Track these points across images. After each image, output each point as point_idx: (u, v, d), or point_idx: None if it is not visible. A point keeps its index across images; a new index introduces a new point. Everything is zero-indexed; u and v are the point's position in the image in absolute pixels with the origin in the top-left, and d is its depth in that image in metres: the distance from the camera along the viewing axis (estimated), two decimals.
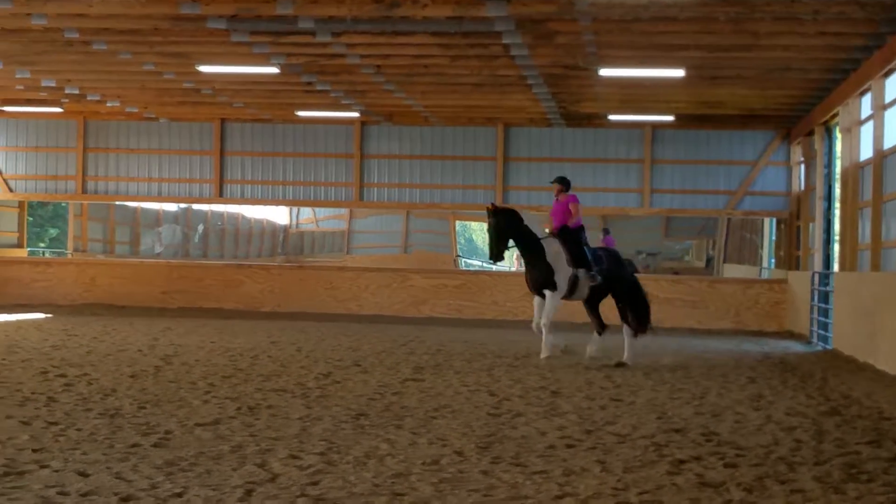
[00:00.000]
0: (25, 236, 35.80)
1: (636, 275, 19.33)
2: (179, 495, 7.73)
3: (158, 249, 48.57)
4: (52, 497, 7.62)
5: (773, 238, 33.58)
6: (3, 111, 30.20)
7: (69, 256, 42.16)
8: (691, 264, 47.28)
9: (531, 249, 17.93)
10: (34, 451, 9.15)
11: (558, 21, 17.69)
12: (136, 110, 29.54)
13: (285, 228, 57.93)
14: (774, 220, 32.23)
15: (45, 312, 27.03)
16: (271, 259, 53.53)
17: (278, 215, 57.38)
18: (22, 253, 34.83)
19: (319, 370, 15.72)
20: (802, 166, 27.94)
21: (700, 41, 18.78)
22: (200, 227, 53.02)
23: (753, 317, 27.74)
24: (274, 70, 22.07)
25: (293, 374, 15.13)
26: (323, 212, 55.10)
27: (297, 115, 29.22)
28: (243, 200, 31.93)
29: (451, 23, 17.77)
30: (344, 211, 51.26)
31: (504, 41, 18.70)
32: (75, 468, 8.50)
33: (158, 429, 10.33)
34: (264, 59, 21.13)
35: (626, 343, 18.18)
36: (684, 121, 28.10)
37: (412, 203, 30.89)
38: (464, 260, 56.59)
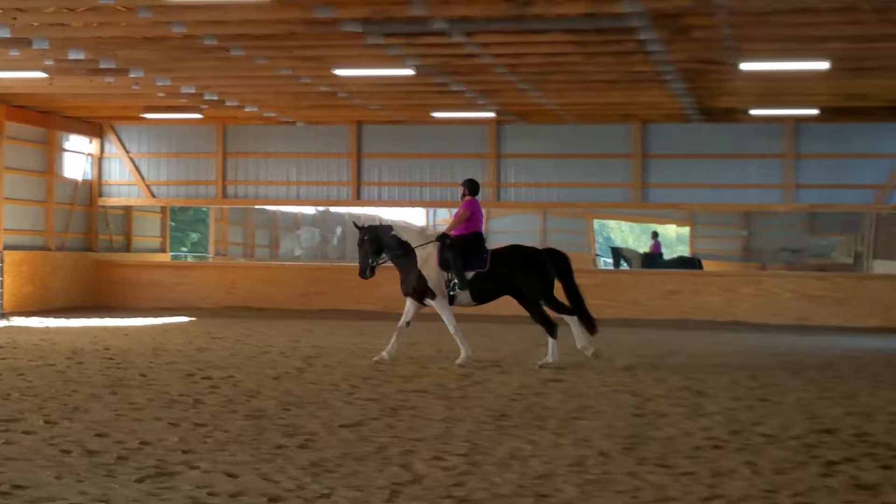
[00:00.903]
0: (168, 241, 36.44)
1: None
2: (326, 496, 7.78)
3: (297, 252, 49.02)
4: (201, 497, 7.72)
5: None
6: (144, 118, 30.71)
7: (210, 260, 42.76)
8: (838, 261, 46.40)
9: (402, 258, 17.49)
10: (183, 452, 9.28)
11: (695, 15, 17.44)
12: (273, 115, 29.84)
13: (422, 230, 58.13)
14: None
15: (188, 315, 27.45)
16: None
17: (415, 217, 57.59)
18: (165, 257, 35.48)
19: (459, 371, 15.73)
20: None
21: (843, 32, 18.36)
22: (338, 230, 53.41)
23: None
24: (409, 72, 22.13)
25: (433, 376, 15.16)
26: None
27: (432, 116, 29.25)
28: (380, 202, 32.06)
29: (585, 20, 17.62)
30: None
31: (639, 37, 18.49)
32: (223, 469, 8.60)
33: (303, 430, 10.41)
34: (399, 61, 21.19)
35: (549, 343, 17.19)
36: (828, 114, 27.52)
37: (549, 202, 30.76)
38: (602, 259, 56.13)
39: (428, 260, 17.29)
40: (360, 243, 17.71)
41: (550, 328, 17.17)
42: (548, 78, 23.22)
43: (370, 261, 17.63)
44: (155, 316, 26.92)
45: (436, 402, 12.55)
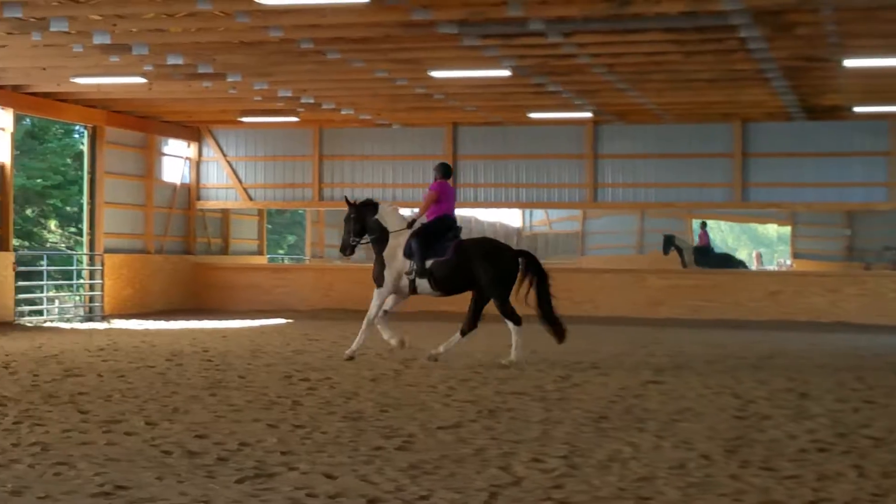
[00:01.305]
0: (265, 243, 36.72)
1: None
2: (425, 498, 7.74)
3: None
4: (301, 499, 7.72)
5: None
6: (241, 122, 30.96)
7: (307, 262, 43.01)
8: None
9: (377, 242, 17.46)
10: (282, 453, 9.29)
11: (798, 12, 17.22)
12: (369, 117, 29.93)
13: (518, 231, 58.02)
14: None
15: (286, 318, 27.60)
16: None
17: (511, 218, 57.49)
18: (262, 260, 35.75)
19: (557, 373, 15.64)
20: None
21: None
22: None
23: None
24: (505, 73, 22.07)
25: (531, 377, 15.08)
26: (556, 213, 54.95)
27: (529, 117, 29.17)
28: (476, 204, 32.04)
29: (684, 18, 17.46)
30: (577, 212, 51.01)
31: (740, 35, 18.28)
32: (322, 470, 8.59)
33: (401, 432, 10.38)
34: (495, 62, 21.15)
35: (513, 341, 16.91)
36: None
37: (647, 202, 30.55)
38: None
39: (397, 249, 17.22)
40: (346, 220, 17.74)
41: (517, 322, 17.02)
42: (647, 77, 23.06)
43: (351, 239, 17.71)
44: (252, 318, 27.11)
45: (534, 403, 12.47)
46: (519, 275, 17.16)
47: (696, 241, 39.58)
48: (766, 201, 29.23)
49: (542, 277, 17.23)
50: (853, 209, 37.98)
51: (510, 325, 17.04)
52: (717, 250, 41.57)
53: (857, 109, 26.82)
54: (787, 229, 49.56)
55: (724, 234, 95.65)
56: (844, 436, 10.46)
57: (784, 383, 14.68)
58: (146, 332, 22.71)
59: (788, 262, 48.48)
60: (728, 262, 35.85)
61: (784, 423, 11.25)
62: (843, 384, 14.67)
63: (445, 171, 17.86)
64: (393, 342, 17.32)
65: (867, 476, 8.62)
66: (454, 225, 17.46)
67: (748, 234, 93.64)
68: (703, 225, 38.07)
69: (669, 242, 36.77)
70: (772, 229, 69.26)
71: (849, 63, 20.48)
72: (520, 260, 17.31)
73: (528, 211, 55.13)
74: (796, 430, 10.79)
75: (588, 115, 28.47)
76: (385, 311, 17.44)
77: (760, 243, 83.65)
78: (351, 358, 16.99)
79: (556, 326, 17.05)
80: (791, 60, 20.86)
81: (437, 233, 17.15)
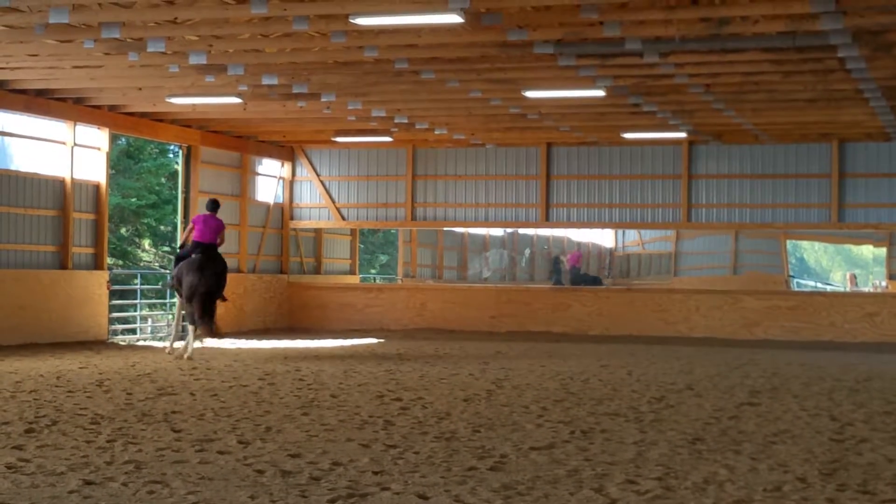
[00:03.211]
0: (357, 263, 36.88)
1: None
2: None
3: (486, 274, 49.16)
4: None
5: None
6: (335, 142, 31.13)
7: (399, 282, 43.14)
8: None
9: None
10: (374, 473, 9.27)
11: None
12: (462, 137, 29.96)
13: (611, 251, 57.84)
14: None
15: (378, 337, 27.67)
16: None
17: (604, 238, 57.33)
18: (355, 279, 35.91)
19: (651, 394, 15.50)
20: None
21: None
22: (527, 251, 53.48)
23: None
24: (600, 93, 21.99)
25: (625, 398, 14.96)
26: (649, 234, 54.75)
27: (623, 137, 29.05)
28: (569, 224, 31.99)
29: (783, 38, 17.31)
30: (670, 232, 50.77)
31: (840, 54, 18.07)
32: (415, 490, 8.56)
33: (494, 452, 10.33)
34: (590, 82, 21.08)
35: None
36: None
37: (742, 223, 30.30)
38: (796, 280, 55.12)
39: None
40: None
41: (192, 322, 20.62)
42: (744, 97, 22.86)
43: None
44: (345, 337, 27.20)
45: (628, 425, 12.38)
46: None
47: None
48: (863, 222, 28.87)
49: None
50: None
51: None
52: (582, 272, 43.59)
53: None
54: (883, 250, 48.93)
55: (818, 255, 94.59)
56: None
57: (882, 406, 14.46)
58: (239, 351, 22.87)
59: (884, 283, 47.87)
60: (587, 281, 37.96)
61: (882, 446, 11.07)
62: None
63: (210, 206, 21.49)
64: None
65: None
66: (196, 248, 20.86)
67: (842, 255, 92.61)
68: (578, 247, 38.68)
69: (557, 265, 37.78)
70: (867, 250, 68.42)
71: None
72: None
73: (620, 231, 54.93)
74: (894, 453, 10.61)
75: (683, 135, 28.30)
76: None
77: (855, 265, 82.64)
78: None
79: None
80: (890, 80, 20.59)
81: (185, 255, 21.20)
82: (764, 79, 20.82)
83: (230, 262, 29.77)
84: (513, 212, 31.35)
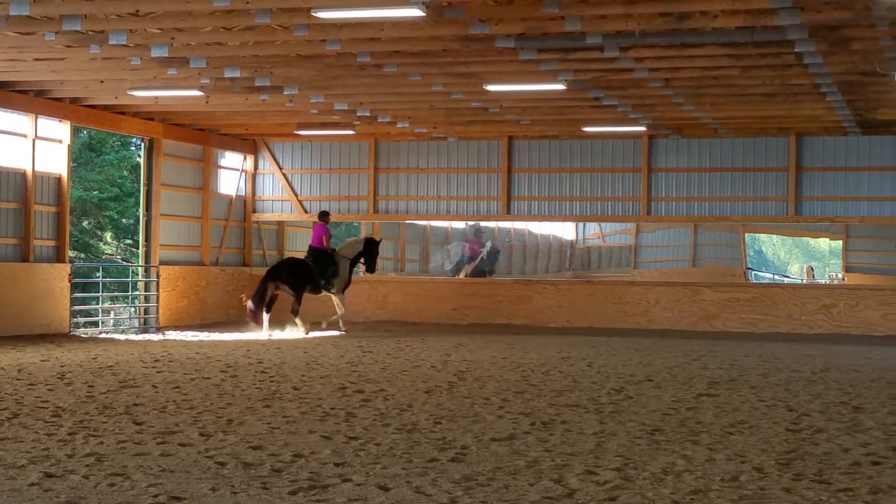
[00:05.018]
0: None
1: None
2: None
3: (447, 267, 49.18)
4: None
5: None
6: (297, 135, 31.13)
7: (361, 275, 43.08)
8: None
9: None
10: (336, 464, 9.35)
11: (854, 27, 17.15)
12: (424, 130, 30.01)
13: (572, 244, 57.94)
14: None
15: (341, 329, 27.68)
16: (559, 275, 53.64)
17: (565, 231, 57.42)
18: None
19: (611, 385, 15.64)
20: None
21: None
22: (488, 244, 53.50)
23: None
24: (561, 87, 22.09)
25: (585, 390, 15.09)
26: (609, 227, 54.85)
27: (584, 131, 29.17)
28: (530, 217, 32.06)
29: (742, 33, 17.45)
30: (630, 225, 50.92)
31: (797, 49, 18.23)
32: (376, 482, 8.64)
33: (455, 444, 10.42)
34: (551, 76, 21.18)
35: None
36: None
37: (701, 216, 30.46)
38: (754, 272, 55.36)
39: None
40: None
41: None
42: (703, 92, 23.01)
43: None
44: (308, 329, 27.20)
45: (588, 416, 12.49)
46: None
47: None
48: (820, 215, 29.10)
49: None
50: None
51: None
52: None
53: None
54: (839, 243, 49.32)
55: (776, 248, 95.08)
56: None
57: (838, 396, 14.64)
58: (201, 344, 22.87)
59: (840, 275, 48.23)
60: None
61: (837, 436, 11.23)
62: None
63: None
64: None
65: None
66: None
67: (800, 248, 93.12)
68: (477, 232, 37.83)
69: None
70: (824, 243, 68.78)
71: None
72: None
73: (581, 224, 55.05)
74: (850, 443, 10.77)
75: (643, 129, 28.44)
76: None
77: (812, 257, 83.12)
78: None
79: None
80: (847, 75, 20.78)
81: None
82: (723, 73, 20.98)
83: (192, 255, 29.83)
84: (475, 205, 31.42)
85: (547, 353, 20.85)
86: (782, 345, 24.27)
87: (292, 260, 27.69)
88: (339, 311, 27.07)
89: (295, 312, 26.30)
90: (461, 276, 34.53)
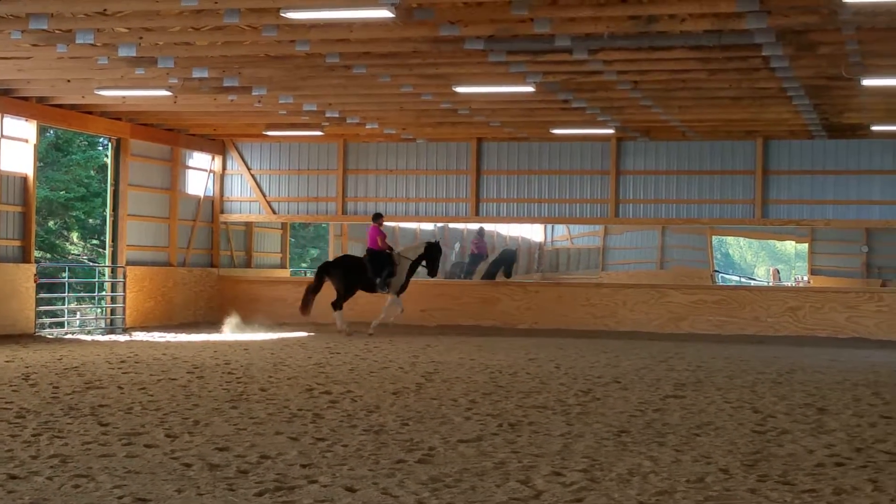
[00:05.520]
0: (288, 257, 36.81)
1: None
2: None
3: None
4: None
5: None
6: (266, 136, 31.07)
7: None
8: None
9: None
10: (303, 466, 9.34)
11: (820, 31, 17.25)
12: (394, 132, 30.01)
13: (540, 246, 58.04)
14: None
15: (309, 331, 27.67)
16: (527, 276, 53.72)
17: (533, 233, 57.50)
18: (285, 273, 35.82)
19: (579, 387, 15.67)
20: None
21: None
22: (457, 246, 53.51)
23: None
24: (530, 89, 22.12)
25: (553, 391, 15.12)
26: (577, 228, 54.93)
27: (553, 133, 29.22)
28: (499, 219, 32.08)
29: (709, 36, 17.52)
30: (598, 227, 51.05)
31: (764, 53, 18.32)
32: (343, 483, 8.64)
33: (422, 445, 10.43)
34: (521, 79, 21.21)
35: None
36: None
37: (668, 219, 30.56)
38: (721, 275, 55.56)
39: None
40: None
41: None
42: (671, 94, 23.09)
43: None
44: (275, 331, 27.19)
45: (555, 417, 12.52)
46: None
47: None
48: (786, 218, 29.26)
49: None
50: (871, 226, 37.97)
51: None
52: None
53: (876, 128, 26.83)
54: (805, 246, 49.62)
55: (742, 250, 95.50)
56: (861, 450, 10.52)
57: (803, 398, 14.73)
58: (168, 345, 22.81)
59: (806, 278, 48.51)
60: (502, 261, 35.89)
61: (802, 437, 11.30)
62: (860, 399, 14.71)
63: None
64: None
65: (883, 490, 8.67)
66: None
67: (766, 251, 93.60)
68: (480, 232, 37.13)
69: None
70: (790, 246, 69.11)
71: (867, 82, 20.48)
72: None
73: (549, 226, 55.15)
74: (814, 444, 10.84)
75: (611, 131, 28.50)
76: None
77: (779, 260, 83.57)
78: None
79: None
80: (813, 79, 20.90)
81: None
82: (691, 76, 21.05)
83: (160, 256, 29.74)
84: (443, 206, 31.43)
85: (515, 355, 20.87)
86: (748, 347, 24.38)
87: (348, 257, 28.74)
88: (389, 313, 27.46)
89: (335, 307, 26.89)
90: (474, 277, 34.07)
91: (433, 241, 28.79)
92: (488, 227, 47.54)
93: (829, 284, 41.23)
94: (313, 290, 26.99)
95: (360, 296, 27.50)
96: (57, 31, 17.93)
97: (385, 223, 28.45)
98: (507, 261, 32.81)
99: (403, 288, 27.34)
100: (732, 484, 8.84)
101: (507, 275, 32.03)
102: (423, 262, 27.51)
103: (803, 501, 8.27)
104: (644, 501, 8.17)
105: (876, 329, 27.38)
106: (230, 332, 26.19)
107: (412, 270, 27.44)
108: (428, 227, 49.85)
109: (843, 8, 15.57)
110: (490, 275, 32.13)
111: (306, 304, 26.89)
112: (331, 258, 44.04)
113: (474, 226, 44.19)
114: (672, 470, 9.38)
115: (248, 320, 28.59)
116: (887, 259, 45.57)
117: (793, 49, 18.16)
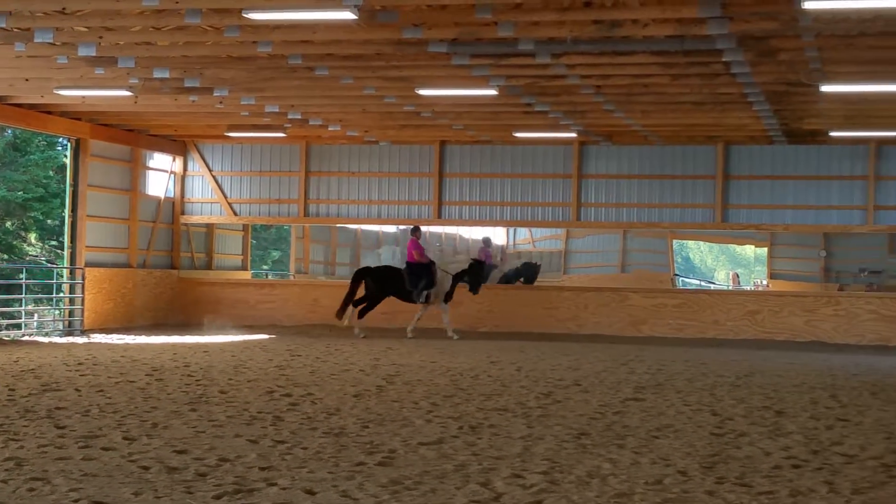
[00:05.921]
0: (249, 259, 36.71)
1: None
2: None
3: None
4: None
5: None
6: (227, 137, 30.98)
7: (292, 278, 43.00)
8: None
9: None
10: (262, 469, 9.31)
11: (781, 38, 17.35)
12: (356, 134, 29.97)
13: (502, 248, 58.13)
14: None
15: (270, 333, 27.60)
16: (489, 279, 53.80)
17: (496, 235, 57.61)
18: (246, 275, 35.71)
19: (539, 390, 15.69)
20: None
21: None
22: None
23: None
24: (493, 92, 22.14)
25: (514, 394, 15.13)
26: (540, 232, 55.13)
27: (516, 137, 29.25)
28: (462, 222, 32.11)
29: (671, 42, 17.59)
30: (560, 231, 51.20)
31: (725, 59, 18.41)
32: (302, 486, 8.62)
33: (382, 448, 10.42)
34: (484, 82, 21.22)
35: None
36: None
37: (630, 222, 30.66)
38: (681, 279, 55.76)
39: None
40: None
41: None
42: (634, 99, 23.16)
43: None
44: (236, 333, 27.10)
45: (516, 420, 12.53)
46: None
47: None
48: (746, 222, 29.42)
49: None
50: (830, 231, 38.26)
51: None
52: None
53: (835, 134, 27.01)
54: (765, 250, 49.91)
55: (703, 254, 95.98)
56: (818, 453, 10.60)
57: (761, 401, 14.80)
58: (127, 347, 22.69)
59: (765, 282, 48.78)
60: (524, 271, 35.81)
61: (760, 440, 11.36)
62: (817, 402, 14.81)
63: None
64: None
65: (838, 492, 8.74)
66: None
67: (726, 255, 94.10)
68: (487, 242, 37.05)
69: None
70: (749, 250, 69.45)
71: (826, 89, 20.60)
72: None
73: (512, 229, 55.26)
74: (771, 446, 10.90)
75: (574, 135, 28.56)
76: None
77: (738, 264, 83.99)
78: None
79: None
80: (773, 85, 21.00)
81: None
82: (653, 81, 21.13)
83: (119, 257, 29.58)
84: (406, 209, 31.41)
85: (476, 358, 20.87)
86: (708, 350, 24.47)
87: (387, 267, 28.75)
88: (446, 319, 27.49)
89: (361, 313, 27.37)
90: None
91: (479, 258, 28.79)
92: (450, 229, 47.62)
93: (787, 289, 41.48)
94: (351, 295, 27.23)
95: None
96: (15, 30, 17.80)
97: (348, 225, 28.56)
98: (528, 274, 33.17)
99: (449, 297, 27.47)
100: (691, 486, 8.88)
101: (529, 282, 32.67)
102: (465, 278, 27.54)
103: (760, 503, 8.31)
104: (603, 503, 8.20)
105: (833, 333, 27.62)
106: (211, 333, 26.00)
107: (454, 283, 27.46)
108: (390, 229, 49.85)
109: (803, 15, 15.66)
110: (507, 280, 32.69)
111: (344, 308, 27.17)
112: (293, 261, 44.32)
113: (438, 229, 44.21)
114: (631, 472, 9.41)
115: (209, 322, 28.52)
116: (845, 263, 45.92)
117: (753, 55, 18.25)
